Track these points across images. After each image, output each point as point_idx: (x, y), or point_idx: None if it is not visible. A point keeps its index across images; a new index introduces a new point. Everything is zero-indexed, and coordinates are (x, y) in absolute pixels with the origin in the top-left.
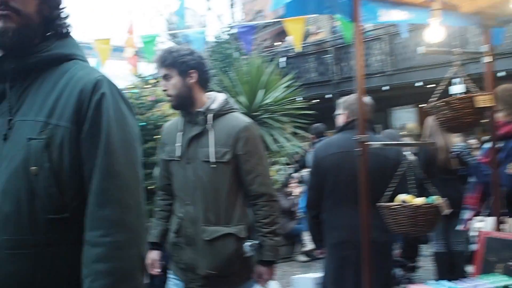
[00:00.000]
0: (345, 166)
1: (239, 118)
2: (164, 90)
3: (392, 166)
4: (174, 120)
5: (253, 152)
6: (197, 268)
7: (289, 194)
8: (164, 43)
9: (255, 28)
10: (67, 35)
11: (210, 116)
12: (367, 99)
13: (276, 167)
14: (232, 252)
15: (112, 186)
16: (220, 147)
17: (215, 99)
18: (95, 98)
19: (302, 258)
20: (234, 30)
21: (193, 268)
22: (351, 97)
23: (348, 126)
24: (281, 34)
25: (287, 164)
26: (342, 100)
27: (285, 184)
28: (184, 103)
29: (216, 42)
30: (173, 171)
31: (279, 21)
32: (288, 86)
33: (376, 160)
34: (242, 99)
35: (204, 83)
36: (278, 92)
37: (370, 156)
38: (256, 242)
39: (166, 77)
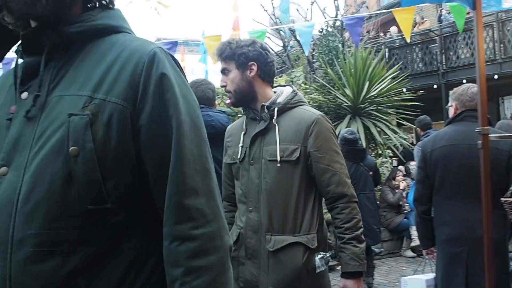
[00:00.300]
0: (454, 159)
1: (308, 111)
2: (223, 86)
3: (507, 159)
4: (237, 121)
5: (326, 148)
6: (259, 285)
7: (396, 187)
8: (270, 38)
9: (363, 19)
10: (112, 7)
11: (275, 110)
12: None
13: (381, 159)
14: (300, 266)
15: (193, 172)
16: (288, 144)
17: (282, 93)
18: (156, 72)
19: (410, 253)
20: (338, 23)
21: (254, 285)
22: (460, 88)
23: (457, 118)
24: (385, 25)
25: (391, 156)
26: (452, 91)
27: (392, 177)
28: (244, 99)
29: (320, 35)
30: (236, 175)
31: (384, 12)
32: (393, 78)
33: None
34: (348, 91)
35: (266, 76)
36: (383, 84)
37: None
38: (328, 254)
39: (224, 71)
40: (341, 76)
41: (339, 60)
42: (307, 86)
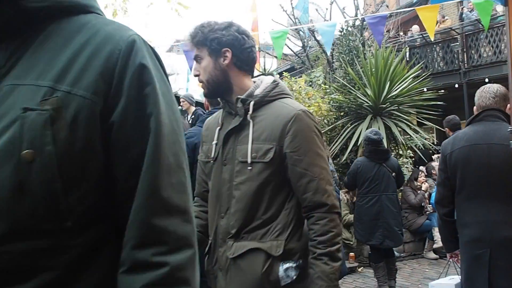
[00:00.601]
0: (473, 159)
1: (288, 106)
2: (196, 75)
3: None
4: (215, 113)
5: (305, 149)
6: None
7: (418, 188)
8: (290, 39)
9: (385, 18)
10: None
11: (251, 104)
12: (496, 87)
13: (402, 160)
14: (260, 275)
15: (167, 185)
16: (262, 143)
17: (261, 83)
18: (134, 62)
19: (432, 255)
20: (358, 22)
21: None
22: (480, 89)
23: (477, 118)
24: (405, 24)
25: (412, 157)
26: None
27: (414, 178)
28: (218, 90)
29: (340, 34)
30: (209, 175)
31: (406, 10)
32: (414, 77)
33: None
34: (369, 91)
35: (243, 64)
36: (404, 83)
37: (502, 148)
38: (293, 264)
39: (196, 59)
40: (362, 76)
41: (360, 59)
42: (327, 86)
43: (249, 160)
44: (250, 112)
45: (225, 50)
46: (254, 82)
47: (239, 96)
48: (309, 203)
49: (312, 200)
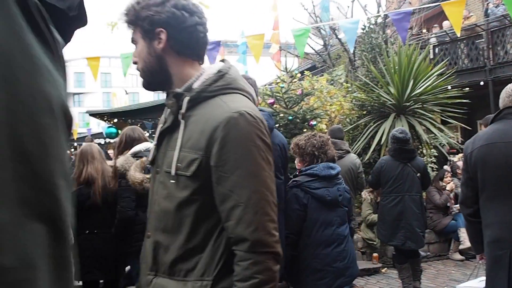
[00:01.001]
0: (491, 159)
1: (224, 105)
2: (135, 63)
3: None
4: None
5: (234, 164)
6: None
7: (443, 188)
8: (311, 37)
9: (410, 14)
10: None
11: (185, 100)
12: None
13: (425, 159)
14: None
15: None
16: (188, 152)
17: (204, 72)
18: None
19: (458, 256)
20: (380, 19)
21: None
22: (507, 87)
23: (498, 117)
24: (428, 21)
25: (436, 156)
26: None
27: (439, 177)
28: (154, 82)
29: (362, 32)
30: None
31: (430, 6)
32: (439, 75)
33: None
34: (392, 89)
35: (182, 48)
36: (429, 81)
37: None
38: None
39: (133, 42)
40: (385, 73)
41: (382, 57)
42: (348, 84)
43: (172, 171)
44: (183, 110)
45: (159, 31)
46: (203, 69)
47: (174, 90)
48: (231, 235)
49: (234, 231)
